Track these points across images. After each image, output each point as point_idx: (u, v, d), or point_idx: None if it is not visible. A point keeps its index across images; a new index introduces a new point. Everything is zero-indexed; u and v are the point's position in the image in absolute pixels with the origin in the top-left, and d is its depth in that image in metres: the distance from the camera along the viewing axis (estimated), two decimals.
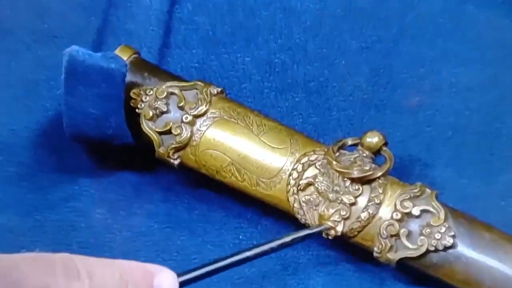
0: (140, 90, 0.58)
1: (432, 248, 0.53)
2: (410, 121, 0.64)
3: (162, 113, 0.58)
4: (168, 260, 0.57)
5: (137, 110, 0.58)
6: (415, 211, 0.54)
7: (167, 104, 0.58)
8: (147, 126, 0.57)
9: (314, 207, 0.56)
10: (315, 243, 0.61)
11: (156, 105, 0.57)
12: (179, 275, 0.42)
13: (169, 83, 0.58)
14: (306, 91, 0.66)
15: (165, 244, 0.58)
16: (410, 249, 0.53)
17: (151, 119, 0.57)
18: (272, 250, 0.49)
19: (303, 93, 0.66)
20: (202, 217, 0.62)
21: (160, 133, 0.57)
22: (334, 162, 0.55)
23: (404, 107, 0.65)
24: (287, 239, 0.50)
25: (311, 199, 0.56)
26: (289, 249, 0.61)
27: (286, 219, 0.59)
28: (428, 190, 0.55)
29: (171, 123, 0.57)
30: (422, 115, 0.65)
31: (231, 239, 0.60)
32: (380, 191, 0.54)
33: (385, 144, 0.56)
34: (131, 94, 0.58)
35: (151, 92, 0.58)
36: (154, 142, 0.57)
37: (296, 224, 0.57)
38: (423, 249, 0.53)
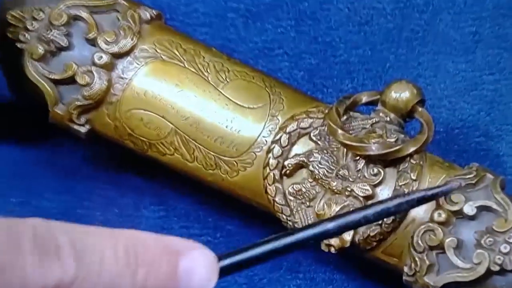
0: (23, 12, 0.58)
1: (496, 268, 0.53)
2: (462, 65, 0.65)
3: (60, 49, 0.57)
4: None
5: (18, 45, 0.58)
6: (469, 208, 0.54)
7: (68, 34, 0.57)
8: (35, 71, 0.57)
9: (307, 203, 0.56)
10: (309, 260, 0.61)
11: (50, 37, 0.57)
12: (221, 257, 0.42)
13: (70, 1, 0.58)
14: (296, 17, 0.66)
15: None
16: (461, 269, 0.53)
17: (41, 59, 0.57)
18: (374, 218, 0.47)
19: (290, 19, 0.66)
20: (126, 218, 0.62)
21: (57, 82, 0.57)
22: (340, 131, 0.55)
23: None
24: (401, 200, 0.48)
25: (303, 190, 0.56)
26: (267, 270, 0.60)
27: (263, 221, 0.60)
28: (489, 176, 0.55)
29: (74, 67, 0.57)
30: (481, 56, 0.65)
31: None
32: (413, 177, 0.55)
33: (421, 102, 0.57)
34: (9, 17, 0.58)
35: (42, 15, 0.58)
36: (46, 97, 0.57)
37: (280, 228, 0.57)
38: (482, 270, 0.53)
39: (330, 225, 0.45)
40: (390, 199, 0.49)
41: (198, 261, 0.41)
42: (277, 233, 0.44)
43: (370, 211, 0.48)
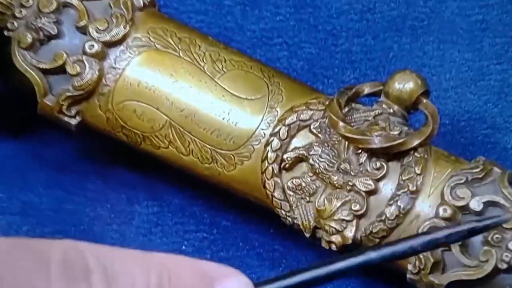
0: None
1: (504, 266, 0.53)
2: (469, 55, 0.65)
3: (49, 37, 0.57)
4: None
5: (5, 33, 0.58)
6: (475, 204, 0.54)
7: (57, 22, 0.58)
8: (23, 60, 0.57)
9: (307, 198, 0.56)
10: (309, 257, 0.61)
11: (39, 25, 0.57)
12: (258, 284, 0.42)
13: None
14: (295, 4, 0.66)
15: None
16: (467, 267, 0.53)
17: (30, 47, 0.57)
18: (422, 249, 0.48)
19: (289, 7, 0.66)
20: (118, 214, 0.62)
21: (46, 72, 0.57)
22: (341, 123, 0.55)
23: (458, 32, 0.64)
24: (463, 227, 0.48)
25: (303, 185, 0.56)
26: (266, 268, 0.60)
27: (261, 217, 0.60)
28: (496, 170, 0.55)
29: (65, 56, 0.57)
30: (488, 45, 0.65)
31: (169, 252, 0.59)
32: (417, 171, 0.55)
33: (425, 93, 0.57)
34: None
35: (30, 2, 0.58)
36: (35, 87, 0.57)
37: (278, 224, 0.58)
38: (489, 267, 0.53)
39: (374, 255, 0.46)
40: (440, 229, 0.49)
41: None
42: (318, 261, 0.44)
43: (417, 242, 0.48)
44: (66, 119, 0.57)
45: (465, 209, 0.53)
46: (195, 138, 0.56)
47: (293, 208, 0.56)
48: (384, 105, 0.56)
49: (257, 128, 0.56)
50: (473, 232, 0.50)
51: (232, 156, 0.56)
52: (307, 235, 0.56)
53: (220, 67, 0.57)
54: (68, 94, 0.57)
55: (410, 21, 0.65)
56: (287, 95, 0.57)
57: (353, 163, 0.55)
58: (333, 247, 0.55)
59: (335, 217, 0.55)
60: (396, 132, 0.55)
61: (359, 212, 0.54)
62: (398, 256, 0.47)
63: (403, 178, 0.54)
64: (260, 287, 0.42)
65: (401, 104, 0.56)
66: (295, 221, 0.56)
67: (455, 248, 0.53)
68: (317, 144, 0.55)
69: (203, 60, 0.57)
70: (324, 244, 0.55)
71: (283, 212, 0.56)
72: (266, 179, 0.56)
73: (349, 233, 0.54)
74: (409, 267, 0.54)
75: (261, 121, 0.56)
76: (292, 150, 0.56)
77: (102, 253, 0.39)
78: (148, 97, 0.57)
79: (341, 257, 0.45)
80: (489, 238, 0.52)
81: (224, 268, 0.41)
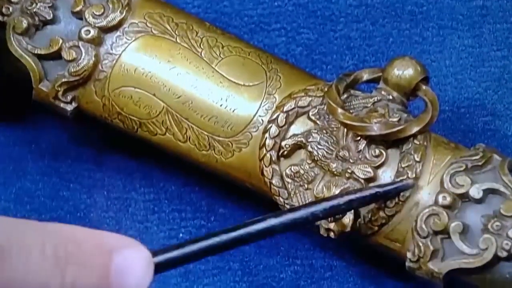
0: None
1: (504, 254, 0.53)
2: (469, 41, 0.65)
3: (45, 23, 0.58)
4: None
5: (0, 18, 0.58)
6: (475, 191, 0.54)
7: (53, 7, 0.58)
8: (18, 46, 0.57)
9: (305, 185, 0.56)
10: (307, 245, 0.61)
11: (35, 10, 0.57)
12: (156, 253, 0.43)
13: None
14: None
15: None
16: (466, 255, 0.53)
17: (25, 33, 0.57)
18: (323, 215, 0.49)
19: None
20: (114, 201, 0.62)
21: (42, 58, 0.57)
22: (340, 110, 0.55)
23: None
24: (351, 197, 0.50)
25: (301, 172, 0.56)
26: (263, 256, 0.60)
27: (259, 204, 0.60)
28: (496, 157, 0.55)
29: (60, 41, 0.57)
30: (488, 31, 0.65)
31: (163, 240, 0.61)
32: (417, 158, 0.55)
33: (425, 79, 0.57)
34: None
35: None
36: (31, 73, 0.57)
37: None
38: (489, 255, 0.53)
39: (275, 222, 0.46)
40: (341, 195, 0.51)
41: (132, 259, 0.40)
42: (219, 229, 0.45)
43: (318, 208, 0.49)
44: (61, 105, 0.57)
45: (464, 196, 0.53)
46: (192, 125, 0.56)
47: (292, 195, 0.56)
48: (383, 92, 0.56)
49: (255, 114, 0.56)
50: (375, 197, 0.51)
51: (229, 143, 0.56)
52: None
53: (218, 53, 0.57)
54: (64, 80, 0.57)
55: (409, 6, 0.65)
56: (285, 81, 0.57)
57: (352, 150, 0.55)
58: (332, 234, 0.55)
59: None
60: (395, 119, 0.55)
61: None
62: (300, 223, 0.48)
63: (402, 166, 0.54)
64: (159, 255, 0.42)
65: (400, 90, 0.56)
66: None
67: (455, 236, 0.53)
68: (316, 131, 0.55)
69: (200, 46, 0.57)
70: (322, 232, 0.55)
71: (281, 200, 0.56)
72: (264, 166, 0.56)
73: (348, 220, 0.54)
74: (408, 255, 0.54)
75: (259, 107, 0.56)
76: (290, 137, 0.55)
77: None
78: (144, 83, 0.56)
79: (242, 224, 0.45)
80: (489, 226, 0.52)
81: (122, 239, 0.41)
